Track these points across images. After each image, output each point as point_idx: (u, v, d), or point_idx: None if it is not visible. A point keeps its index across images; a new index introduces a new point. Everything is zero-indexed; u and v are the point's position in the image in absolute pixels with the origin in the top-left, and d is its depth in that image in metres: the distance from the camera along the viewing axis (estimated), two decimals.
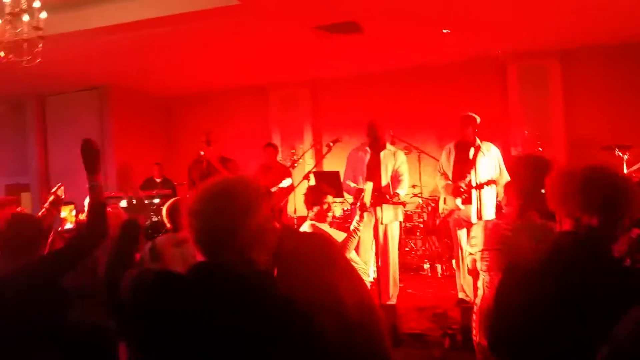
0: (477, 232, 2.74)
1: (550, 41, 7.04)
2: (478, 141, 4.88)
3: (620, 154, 5.87)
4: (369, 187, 4.47)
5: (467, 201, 4.73)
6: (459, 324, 4.37)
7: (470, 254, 2.79)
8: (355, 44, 6.63)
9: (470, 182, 4.71)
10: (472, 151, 4.81)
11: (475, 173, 4.74)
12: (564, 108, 7.47)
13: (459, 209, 4.79)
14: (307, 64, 7.70)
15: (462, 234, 4.85)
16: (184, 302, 1.27)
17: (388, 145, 5.14)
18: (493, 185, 4.68)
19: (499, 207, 4.86)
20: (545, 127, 7.44)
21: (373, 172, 5.03)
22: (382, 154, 5.04)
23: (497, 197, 4.72)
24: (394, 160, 5.05)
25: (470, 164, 4.77)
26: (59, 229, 3.06)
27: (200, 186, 1.37)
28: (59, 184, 3.64)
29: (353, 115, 7.00)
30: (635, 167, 5.71)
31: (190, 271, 1.34)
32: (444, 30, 6.24)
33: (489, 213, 4.66)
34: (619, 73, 7.30)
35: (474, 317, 2.73)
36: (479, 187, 4.69)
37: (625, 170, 5.76)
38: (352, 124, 6.77)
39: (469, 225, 4.60)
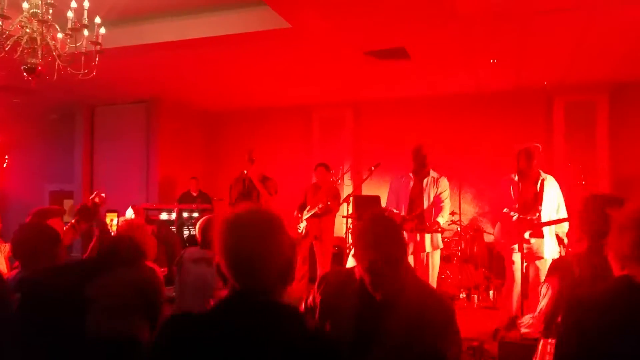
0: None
1: (599, 76, 6.96)
2: (543, 174, 4.81)
3: None
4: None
5: (537, 235, 4.63)
6: (495, 357, 4.28)
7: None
8: (402, 69, 6.68)
9: (540, 216, 4.61)
10: (539, 184, 4.74)
11: (543, 206, 4.66)
12: (610, 143, 7.34)
13: (528, 243, 4.63)
14: (352, 86, 7.78)
15: (530, 267, 4.76)
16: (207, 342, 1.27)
17: (431, 172, 5.13)
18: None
19: (560, 241, 4.82)
20: (589, 161, 7.31)
21: (416, 198, 5.03)
22: (425, 180, 5.03)
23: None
24: (437, 188, 5.03)
25: (538, 197, 4.69)
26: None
27: (234, 211, 1.37)
28: (97, 191, 3.74)
29: (394, 139, 7.03)
30: None
31: (217, 307, 1.35)
32: (492, 60, 6.25)
33: (551, 248, 4.62)
34: None
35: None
36: (552, 223, 4.61)
37: None
38: (393, 147, 6.81)
39: (537, 259, 4.60)
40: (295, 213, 6.45)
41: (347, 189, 7.66)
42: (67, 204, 9.76)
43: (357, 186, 7.21)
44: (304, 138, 9.13)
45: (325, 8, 4.76)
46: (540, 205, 4.65)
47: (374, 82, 7.52)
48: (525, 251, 4.66)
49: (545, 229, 4.62)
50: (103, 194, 3.76)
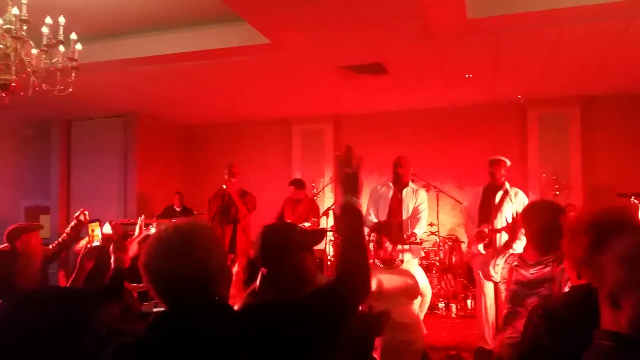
0: (501, 262, 2.81)
1: (572, 89, 7.16)
2: (507, 186, 4.89)
3: (636, 201, 5.91)
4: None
5: (490, 246, 4.61)
6: None
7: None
8: (380, 83, 6.78)
9: (493, 227, 4.65)
10: (498, 196, 4.82)
11: (500, 218, 4.71)
12: (582, 155, 7.54)
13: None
14: (332, 100, 7.86)
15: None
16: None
17: (410, 184, 5.21)
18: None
19: None
20: (563, 172, 7.50)
21: (395, 209, 5.10)
22: (404, 191, 5.11)
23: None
24: (415, 199, 5.11)
25: (496, 209, 4.77)
26: (88, 246, 3.12)
27: (150, 239, 1.38)
28: (82, 209, 3.71)
29: (374, 152, 7.10)
30: None
31: (148, 330, 1.34)
32: (467, 75, 6.39)
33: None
34: (638, 121, 7.39)
35: None
36: (499, 231, 4.65)
37: None
38: (374, 160, 6.87)
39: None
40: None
41: (328, 201, 7.71)
42: (44, 219, 9.58)
43: (337, 199, 7.28)
44: (285, 151, 9.16)
45: (303, 24, 4.83)
46: (495, 218, 4.73)
47: (354, 96, 7.61)
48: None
49: (497, 239, 4.65)
50: (86, 212, 3.72)
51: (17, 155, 9.84)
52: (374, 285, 3.43)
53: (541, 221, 2.59)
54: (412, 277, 3.36)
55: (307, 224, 6.01)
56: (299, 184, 6.49)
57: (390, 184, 5.17)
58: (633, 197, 6.00)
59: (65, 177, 9.15)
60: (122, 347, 1.33)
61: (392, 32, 4.99)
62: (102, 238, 3.01)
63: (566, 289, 2.40)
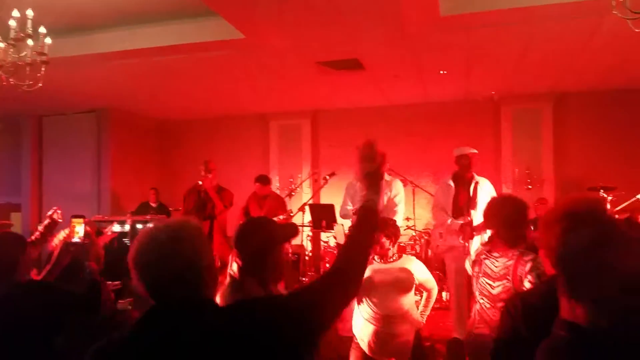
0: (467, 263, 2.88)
1: (544, 85, 7.31)
2: (476, 177, 4.96)
3: (605, 195, 6.08)
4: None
5: (469, 238, 4.71)
6: (445, 358, 4.42)
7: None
8: (357, 79, 6.81)
9: (471, 220, 4.70)
10: (472, 187, 4.88)
11: (478, 209, 4.74)
12: (554, 149, 7.71)
13: (464, 246, 4.74)
14: (309, 95, 7.86)
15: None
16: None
17: (385, 175, 5.23)
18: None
19: None
20: (535, 167, 7.65)
21: None
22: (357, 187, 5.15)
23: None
24: (390, 191, 5.13)
25: (472, 200, 4.81)
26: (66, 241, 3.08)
27: (139, 235, 1.36)
28: (55, 208, 3.64)
29: (352, 147, 7.12)
30: (619, 208, 5.91)
31: (136, 327, 1.33)
32: (441, 72, 6.46)
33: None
34: (607, 118, 7.59)
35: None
36: (475, 228, 4.67)
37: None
38: (351, 155, 6.88)
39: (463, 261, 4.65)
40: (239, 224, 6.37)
41: (306, 196, 7.72)
42: (15, 217, 9.39)
43: (315, 194, 7.30)
44: (262, 147, 9.13)
45: (278, 19, 4.81)
46: (474, 209, 4.78)
47: (331, 92, 7.63)
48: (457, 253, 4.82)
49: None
50: (59, 211, 3.65)
51: None
52: (365, 276, 3.47)
53: (502, 215, 2.67)
54: (407, 271, 3.38)
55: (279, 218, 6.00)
56: (264, 180, 6.45)
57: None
58: (602, 191, 6.17)
59: (37, 173, 8.97)
60: (110, 344, 1.32)
61: (368, 28, 5.02)
62: (84, 235, 2.97)
63: (526, 282, 2.48)
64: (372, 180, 1.58)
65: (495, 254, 2.69)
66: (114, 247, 6.55)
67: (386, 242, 3.44)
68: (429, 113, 8.15)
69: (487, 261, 2.73)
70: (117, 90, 7.43)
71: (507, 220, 2.64)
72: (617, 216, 5.46)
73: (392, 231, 3.51)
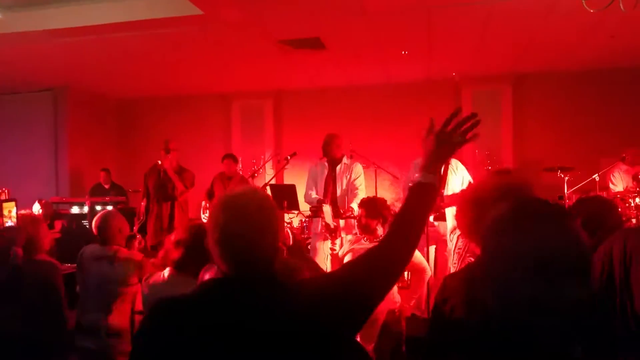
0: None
1: (503, 66, 7.41)
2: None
3: (562, 175, 6.25)
4: (327, 209, 4.54)
5: (440, 218, 4.79)
6: (403, 335, 4.50)
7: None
8: (319, 59, 6.77)
9: (442, 200, 4.72)
10: (443, 167, 4.94)
11: (447, 190, 4.79)
12: (513, 130, 7.86)
13: (433, 226, 4.79)
14: (271, 75, 7.78)
15: (431, 250, 4.86)
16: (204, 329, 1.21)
17: (344, 159, 5.26)
18: None
19: None
20: (495, 148, 7.78)
21: (329, 185, 5.15)
22: (338, 167, 5.16)
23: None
24: (350, 174, 5.16)
25: (442, 180, 4.80)
26: None
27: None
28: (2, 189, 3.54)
29: (315, 127, 7.12)
30: (576, 188, 6.09)
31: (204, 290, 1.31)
32: (403, 52, 6.48)
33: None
34: (565, 99, 7.77)
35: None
36: (449, 205, 4.73)
37: (565, 191, 6.13)
38: (314, 135, 6.88)
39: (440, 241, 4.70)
40: (203, 203, 6.33)
41: (269, 178, 7.68)
42: None
43: (277, 174, 7.26)
44: (224, 127, 9.03)
45: None
46: (443, 189, 4.82)
47: (293, 72, 7.57)
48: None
49: (448, 212, 4.77)
50: (6, 190, 3.55)
51: None
52: (346, 253, 3.53)
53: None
54: None
55: None
56: (234, 157, 6.43)
57: (325, 162, 5.21)
58: (559, 171, 6.33)
59: None
60: (178, 302, 1.28)
61: (328, 5, 4.98)
62: (17, 218, 2.92)
63: None
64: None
65: None
66: (73, 229, 6.45)
67: (374, 223, 3.51)
68: (392, 94, 8.18)
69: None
70: (73, 68, 7.20)
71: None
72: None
73: (381, 212, 3.57)
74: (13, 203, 3.13)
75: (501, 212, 1.13)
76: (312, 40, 5.99)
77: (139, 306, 3.09)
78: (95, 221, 3.26)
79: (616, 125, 7.40)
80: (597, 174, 5.95)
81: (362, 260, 1.33)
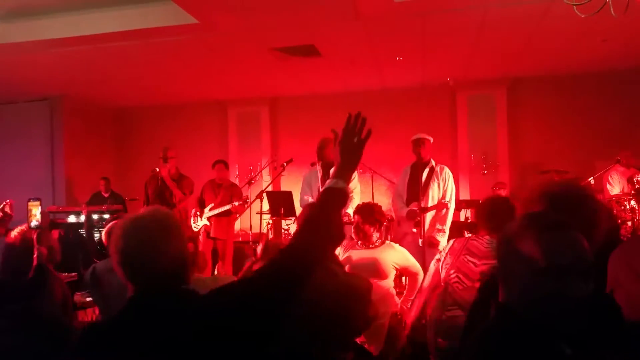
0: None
1: (498, 71, 7.46)
2: (432, 163, 5.01)
3: (557, 178, 6.28)
4: None
5: (418, 225, 4.77)
6: (409, 339, 4.50)
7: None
8: (314, 65, 6.81)
9: (420, 205, 4.75)
10: (425, 173, 4.93)
11: (426, 196, 4.82)
12: (509, 134, 7.89)
13: (412, 232, 4.81)
14: (267, 82, 7.80)
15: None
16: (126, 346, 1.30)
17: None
18: (445, 209, 4.77)
19: (454, 231, 5.04)
20: (491, 152, 7.83)
21: None
22: (331, 171, 5.16)
23: (448, 221, 4.84)
24: None
25: (424, 186, 4.86)
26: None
27: (122, 224, 1.40)
28: (7, 201, 3.54)
29: (311, 133, 7.14)
30: None
31: (122, 312, 1.38)
32: (397, 58, 6.51)
33: (443, 238, 4.76)
34: (560, 103, 7.81)
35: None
36: (426, 210, 4.78)
37: None
38: (310, 141, 6.90)
39: (418, 249, 4.61)
40: (193, 211, 6.32)
41: (266, 184, 7.69)
42: None
43: (274, 181, 7.28)
44: (221, 134, 9.04)
45: (232, 4, 4.75)
46: (423, 195, 4.83)
47: (288, 79, 7.60)
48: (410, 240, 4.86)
49: (427, 219, 4.78)
50: (10, 202, 3.55)
51: None
52: (343, 259, 3.56)
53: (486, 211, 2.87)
54: (384, 257, 3.46)
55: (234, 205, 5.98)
56: (225, 163, 6.44)
57: (319, 167, 5.23)
58: (555, 174, 6.37)
59: None
60: (95, 329, 1.38)
61: (322, 13, 5.00)
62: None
63: None
64: (351, 157, 1.44)
65: (486, 237, 2.81)
66: (70, 239, 6.44)
67: (370, 229, 3.53)
68: (387, 100, 8.21)
69: (473, 241, 2.83)
70: (69, 77, 7.21)
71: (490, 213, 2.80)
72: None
73: (377, 218, 3.59)
74: (38, 203, 3.18)
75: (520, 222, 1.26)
76: (307, 47, 6.03)
77: None
78: (105, 233, 3.31)
79: (610, 127, 7.45)
80: (592, 177, 5.98)
81: (273, 262, 1.35)
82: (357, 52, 6.31)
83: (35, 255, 2.82)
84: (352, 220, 5.18)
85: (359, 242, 3.62)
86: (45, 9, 5.30)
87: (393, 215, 7.45)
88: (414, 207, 4.84)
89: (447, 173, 5.03)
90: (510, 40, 6.04)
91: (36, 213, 3.17)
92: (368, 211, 3.64)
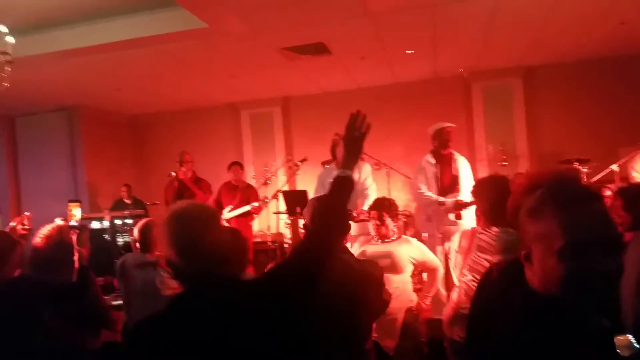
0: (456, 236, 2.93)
1: (513, 59, 7.31)
2: (456, 154, 4.94)
3: (579, 167, 6.13)
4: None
5: (460, 217, 4.71)
6: (425, 337, 4.47)
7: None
8: (324, 63, 6.79)
9: (461, 201, 4.68)
10: (456, 163, 4.87)
11: (460, 187, 4.78)
12: (527, 124, 7.73)
13: (455, 225, 4.70)
14: (278, 82, 7.82)
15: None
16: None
17: None
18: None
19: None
20: (509, 142, 7.68)
21: None
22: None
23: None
24: (358, 174, 5.12)
25: (457, 178, 4.81)
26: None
27: (171, 215, 1.47)
28: (26, 213, 3.61)
29: (324, 131, 7.13)
30: (594, 180, 5.97)
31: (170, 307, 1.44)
32: (408, 51, 6.45)
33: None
34: (578, 90, 7.62)
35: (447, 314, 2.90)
36: (466, 205, 4.69)
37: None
38: (324, 140, 6.89)
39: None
40: None
41: (281, 184, 7.72)
42: None
43: (289, 181, 7.30)
44: (235, 137, 9.09)
45: (240, 6, 4.78)
46: (459, 187, 4.77)
47: (300, 78, 7.60)
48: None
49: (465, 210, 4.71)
50: (28, 215, 3.63)
51: None
52: (357, 253, 3.57)
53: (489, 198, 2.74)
54: (400, 252, 3.46)
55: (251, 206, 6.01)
56: (240, 165, 6.52)
57: (333, 165, 5.21)
58: (576, 163, 6.21)
59: (14, 174, 8.89)
60: (150, 319, 1.44)
61: (330, 10, 4.99)
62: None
63: None
64: (353, 149, 1.63)
65: (494, 229, 2.70)
66: (96, 244, 6.57)
67: (391, 223, 3.54)
68: (399, 94, 8.13)
69: (482, 235, 2.74)
70: (84, 87, 7.35)
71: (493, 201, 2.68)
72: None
73: (394, 210, 3.60)
74: (78, 204, 3.29)
75: (538, 196, 1.19)
76: (317, 46, 6.02)
77: None
78: (137, 230, 3.38)
79: (632, 112, 7.23)
80: (616, 164, 5.82)
81: (296, 251, 1.50)
82: (367, 47, 6.27)
83: (76, 257, 2.89)
84: (369, 216, 5.19)
85: (376, 237, 3.62)
86: (58, 21, 5.40)
87: (412, 211, 7.45)
88: (457, 201, 4.73)
89: (466, 162, 4.98)
90: (524, 27, 5.91)
91: (76, 213, 3.27)
92: (386, 204, 3.64)
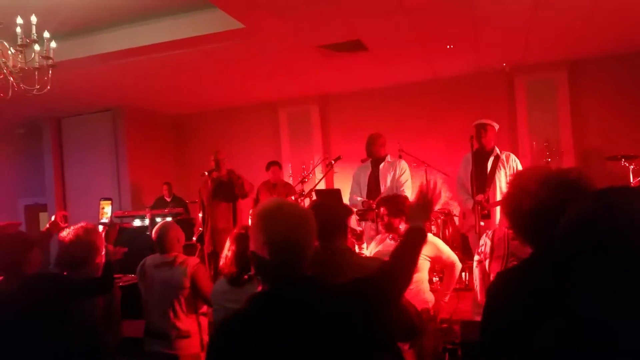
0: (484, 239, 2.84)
1: (557, 53, 7.05)
2: (497, 151, 4.79)
3: (626, 164, 5.87)
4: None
5: (487, 217, 4.60)
6: (459, 338, 4.37)
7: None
8: (362, 60, 6.72)
9: (488, 198, 4.55)
10: (490, 162, 4.73)
11: (493, 186, 4.63)
12: (572, 119, 7.44)
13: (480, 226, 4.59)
14: (316, 80, 7.80)
15: None
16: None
17: (388, 157, 5.20)
18: None
19: None
20: (553, 138, 7.43)
21: (373, 185, 5.10)
22: (380, 166, 5.11)
23: None
24: (394, 171, 5.07)
25: (490, 176, 4.66)
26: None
27: (264, 211, 1.47)
28: (63, 212, 3.73)
29: (362, 129, 7.08)
30: None
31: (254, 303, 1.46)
32: (448, 46, 6.31)
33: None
34: (626, 83, 7.27)
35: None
36: (494, 205, 4.56)
37: (631, 180, 5.75)
38: (362, 137, 6.85)
39: None
40: (251, 212, 6.38)
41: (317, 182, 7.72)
42: (43, 216, 9.71)
43: (326, 179, 7.29)
44: (273, 135, 9.14)
45: (276, 6, 4.80)
46: (489, 186, 4.62)
47: (337, 75, 7.56)
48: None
49: (496, 210, 4.56)
50: (65, 213, 3.74)
51: (11, 156, 9.96)
52: (374, 253, 3.58)
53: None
54: None
55: None
56: (279, 164, 6.53)
57: (369, 163, 5.18)
58: (623, 160, 5.97)
59: (60, 173, 9.22)
60: (235, 321, 1.45)
61: (365, 6, 4.94)
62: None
63: None
64: (422, 211, 1.79)
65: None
66: (137, 242, 6.74)
67: (396, 221, 3.48)
68: (439, 90, 7.96)
69: (515, 240, 2.64)
70: (127, 88, 7.54)
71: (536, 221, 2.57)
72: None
73: (401, 209, 3.52)
74: (109, 202, 3.37)
75: (581, 210, 1.04)
76: (353, 43, 5.97)
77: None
78: (155, 232, 3.44)
79: None
80: None
81: (379, 273, 1.59)
82: (405, 43, 6.16)
83: (103, 252, 2.97)
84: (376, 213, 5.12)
85: (390, 235, 3.56)
86: (100, 25, 5.55)
87: (452, 209, 7.31)
88: (478, 199, 4.63)
89: (514, 160, 4.80)
90: (569, 18, 5.67)
91: (107, 211, 3.35)
92: (393, 203, 3.58)
